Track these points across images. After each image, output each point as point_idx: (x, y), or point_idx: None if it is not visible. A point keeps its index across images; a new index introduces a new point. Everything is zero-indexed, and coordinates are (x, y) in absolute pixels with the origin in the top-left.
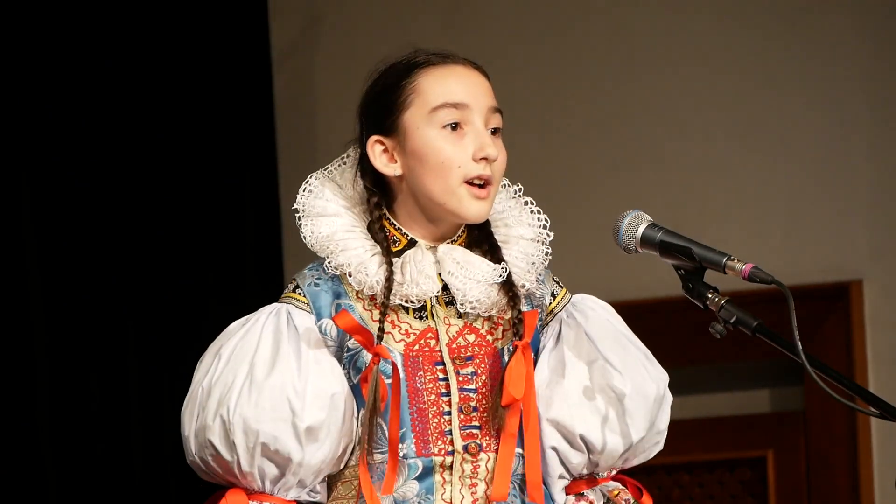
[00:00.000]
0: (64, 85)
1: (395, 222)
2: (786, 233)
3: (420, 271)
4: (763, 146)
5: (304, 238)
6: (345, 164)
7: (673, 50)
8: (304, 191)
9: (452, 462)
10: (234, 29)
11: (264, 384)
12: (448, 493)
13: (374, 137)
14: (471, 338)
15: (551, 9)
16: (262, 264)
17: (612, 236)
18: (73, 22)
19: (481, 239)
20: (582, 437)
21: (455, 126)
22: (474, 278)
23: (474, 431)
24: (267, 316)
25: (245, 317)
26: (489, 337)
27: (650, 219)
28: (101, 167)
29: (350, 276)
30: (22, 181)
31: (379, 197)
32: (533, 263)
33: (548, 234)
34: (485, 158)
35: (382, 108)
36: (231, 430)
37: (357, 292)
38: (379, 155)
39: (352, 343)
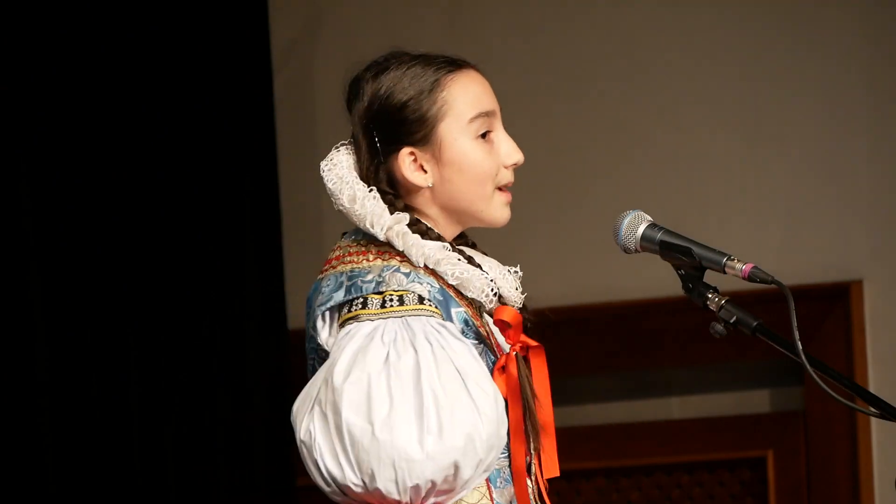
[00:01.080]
0: (64, 85)
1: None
2: (786, 233)
3: (499, 271)
4: (763, 146)
5: (413, 256)
6: (336, 164)
7: (674, 49)
8: (374, 202)
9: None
10: (234, 29)
11: (483, 397)
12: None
13: (408, 149)
14: (500, 338)
15: (550, 7)
16: (262, 264)
17: (612, 236)
18: (73, 22)
19: (465, 241)
20: None
21: (485, 134)
22: (500, 274)
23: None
24: (434, 329)
25: (388, 334)
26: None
27: (650, 219)
28: (101, 167)
29: (465, 284)
30: (22, 181)
31: (409, 207)
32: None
33: None
34: (514, 164)
35: (412, 120)
36: (477, 449)
37: (458, 294)
38: (409, 165)
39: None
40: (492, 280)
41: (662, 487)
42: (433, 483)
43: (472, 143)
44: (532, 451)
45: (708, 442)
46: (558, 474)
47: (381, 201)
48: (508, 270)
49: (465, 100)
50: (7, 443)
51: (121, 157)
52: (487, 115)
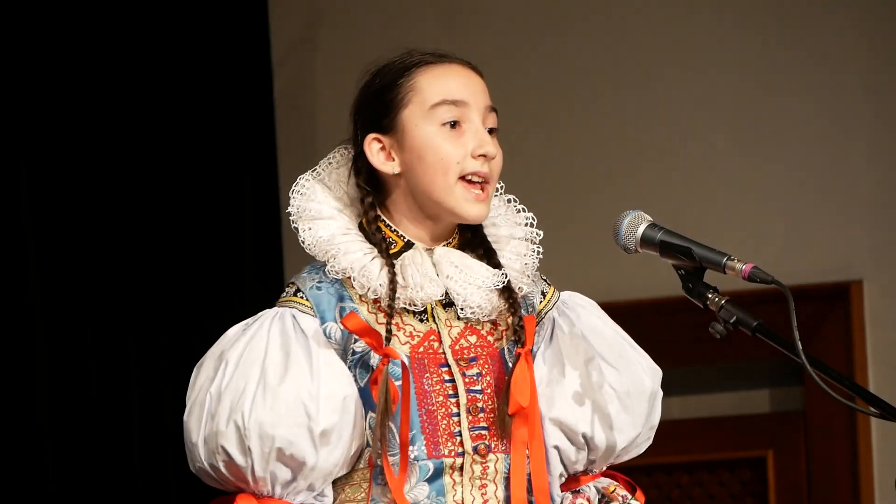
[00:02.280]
0: (64, 85)
1: (389, 223)
2: (786, 233)
3: (423, 274)
4: (763, 146)
5: (303, 242)
6: (331, 164)
7: (675, 51)
8: (295, 193)
9: (463, 463)
10: (234, 29)
11: (278, 389)
12: (459, 494)
13: (372, 135)
14: (472, 339)
15: (552, 10)
16: (262, 264)
17: (612, 236)
18: (73, 22)
19: (476, 242)
20: (584, 436)
21: (454, 124)
22: (474, 283)
23: (483, 432)
24: (271, 320)
25: (244, 322)
26: (490, 338)
27: (650, 219)
28: (101, 167)
29: (353, 279)
30: (22, 181)
31: (373, 197)
32: (526, 264)
33: (537, 233)
34: (483, 155)
35: (380, 107)
36: (246, 436)
37: (360, 295)
38: (376, 153)
39: (357, 346)
40: (393, 277)
41: (662, 487)
42: (213, 467)
43: (433, 129)
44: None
45: (708, 442)
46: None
47: (314, 196)
48: (496, 277)
49: (431, 87)
50: (7, 443)
51: (121, 157)
52: (455, 103)
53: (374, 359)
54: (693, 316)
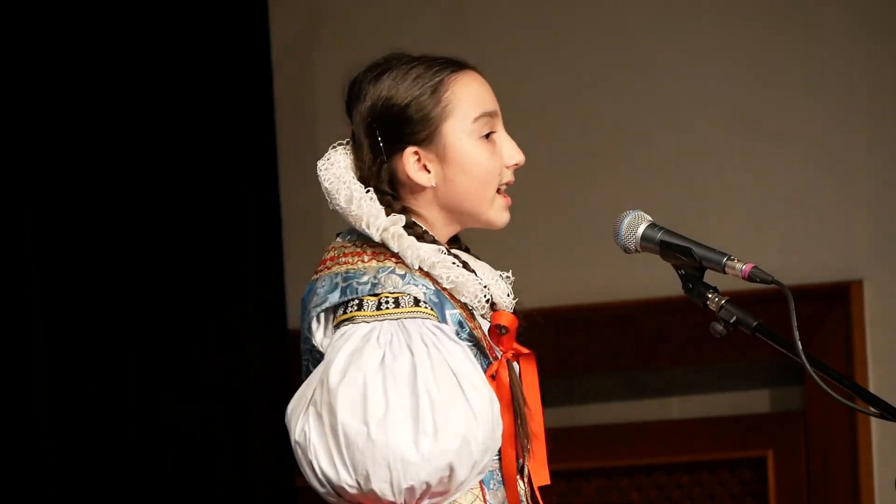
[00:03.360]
0: (64, 85)
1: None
2: (786, 233)
3: (491, 276)
4: (763, 146)
5: (408, 259)
6: (333, 165)
7: (674, 48)
8: (367, 205)
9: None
10: (234, 29)
11: (479, 400)
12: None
13: (413, 149)
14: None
15: (549, 7)
16: (262, 264)
17: (611, 236)
18: (73, 22)
19: (459, 244)
20: None
21: (488, 135)
22: (496, 280)
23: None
24: (430, 331)
25: (384, 336)
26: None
27: (650, 219)
28: (101, 167)
29: (458, 289)
30: (21, 181)
31: (407, 209)
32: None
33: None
34: (515, 164)
35: (416, 120)
36: (474, 451)
37: (452, 297)
38: (413, 164)
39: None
40: (485, 286)
41: (662, 487)
42: (428, 485)
43: (475, 144)
44: (524, 454)
45: (708, 442)
46: (548, 482)
47: (377, 202)
48: (501, 276)
49: (468, 100)
50: (7, 443)
51: (121, 157)
52: (490, 115)
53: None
54: (693, 316)
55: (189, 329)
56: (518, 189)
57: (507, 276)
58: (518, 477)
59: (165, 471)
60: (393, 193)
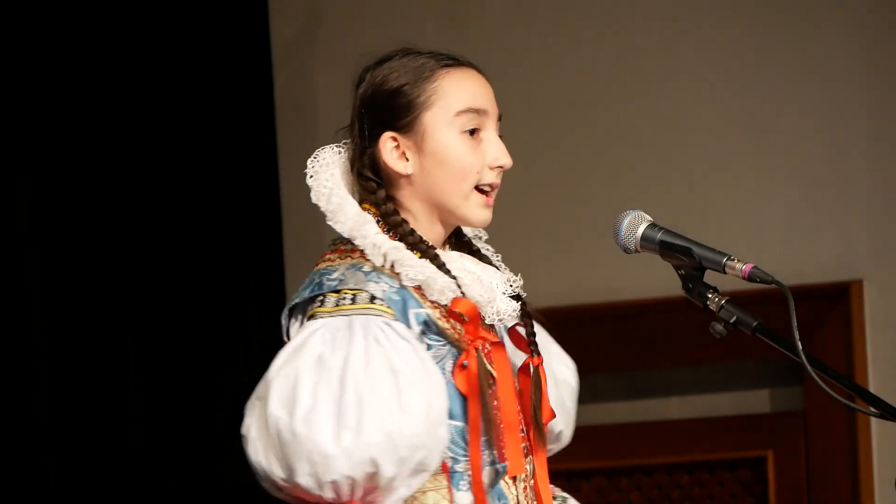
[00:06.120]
0: (64, 85)
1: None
2: (786, 233)
3: (482, 277)
4: (763, 146)
5: (371, 256)
6: (325, 166)
7: (674, 49)
8: (333, 201)
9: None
10: (234, 29)
11: (414, 397)
12: (514, 496)
13: (390, 134)
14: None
15: (552, 11)
16: (262, 265)
17: (611, 236)
18: (73, 22)
19: (462, 244)
20: (559, 435)
21: (473, 131)
22: (498, 290)
23: (523, 435)
24: (376, 327)
25: (329, 332)
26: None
27: (650, 219)
28: (101, 167)
29: (424, 287)
30: (22, 182)
31: (392, 197)
32: (498, 267)
33: (483, 233)
34: (499, 167)
35: (398, 105)
36: (398, 447)
37: (423, 296)
38: (390, 151)
39: (432, 353)
40: (458, 285)
41: (662, 487)
42: (352, 479)
43: (456, 137)
44: (523, 451)
45: (708, 442)
46: (522, 472)
47: (349, 197)
48: (509, 283)
49: (455, 93)
50: (7, 443)
51: (121, 157)
52: (477, 112)
53: (449, 362)
54: (693, 316)
55: (189, 329)
56: (518, 189)
57: (514, 280)
58: (511, 479)
59: (165, 470)
60: (377, 180)
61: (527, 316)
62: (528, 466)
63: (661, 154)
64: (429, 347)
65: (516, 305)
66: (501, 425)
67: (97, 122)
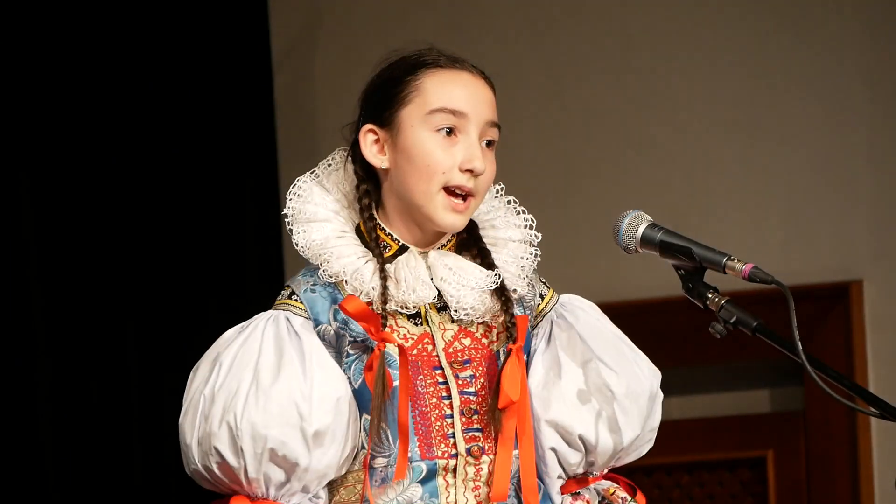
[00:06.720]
0: (64, 85)
1: (384, 227)
2: (786, 233)
3: (416, 277)
4: (763, 146)
5: (297, 245)
6: (330, 166)
7: (674, 49)
8: (292, 195)
9: (456, 465)
10: (234, 29)
11: (271, 390)
12: (452, 496)
13: (368, 126)
14: (466, 341)
15: (549, 8)
16: (262, 265)
17: (611, 236)
18: (73, 22)
19: (470, 243)
20: (581, 437)
21: (449, 131)
22: (468, 285)
23: (476, 434)
24: (265, 322)
25: (240, 325)
26: (484, 340)
27: (650, 219)
28: (101, 167)
29: (346, 283)
30: (22, 182)
31: (370, 192)
32: (523, 267)
33: (536, 235)
34: (470, 171)
35: (382, 99)
36: (239, 437)
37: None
38: (370, 144)
39: (352, 348)
40: (384, 283)
41: (662, 487)
42: (207, 469)
43: (427, 135)
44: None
45: (708, 442)
46: (402, 477)
47: (305, 199)
48: (490, 278)
49: (434, 92)
50: (7, 443)
51: (121, 157)
52: (454, 112)
53: (365, 361)
54: (693, 316)
55: (189, 329)
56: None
57: (493, 282)
58: (450, 474)
59: (165, 471)
60: (363, 174)
61: (508, 307)
62: (484, 467)
63: (661, 154)
64: (349, 343)
65: (487, 300)
66: (437, 423)
67: (97, 122)
